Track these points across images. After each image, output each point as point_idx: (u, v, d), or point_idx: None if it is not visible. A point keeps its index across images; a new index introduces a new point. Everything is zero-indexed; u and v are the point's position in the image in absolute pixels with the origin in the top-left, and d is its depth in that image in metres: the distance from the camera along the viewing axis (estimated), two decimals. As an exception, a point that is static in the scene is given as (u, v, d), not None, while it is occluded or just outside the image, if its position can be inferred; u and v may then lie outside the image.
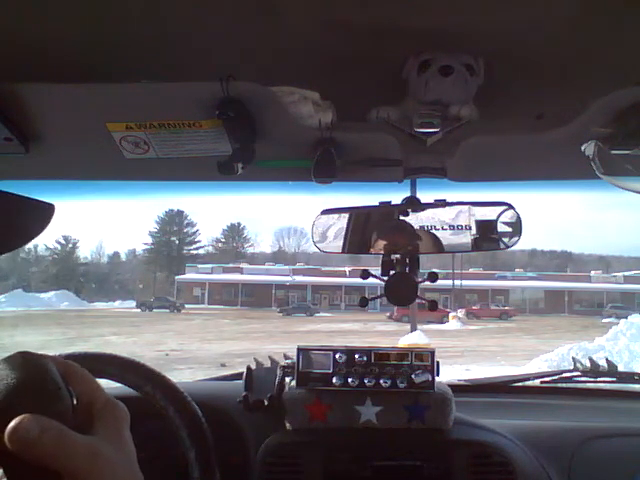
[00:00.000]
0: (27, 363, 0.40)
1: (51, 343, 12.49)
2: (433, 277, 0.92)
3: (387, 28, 0.71)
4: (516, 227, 0.94)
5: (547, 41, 0.73)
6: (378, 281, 0.93)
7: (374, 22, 0.69)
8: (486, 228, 0.96)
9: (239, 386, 1.07)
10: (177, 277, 39.68)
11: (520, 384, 1.49)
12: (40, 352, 0.44)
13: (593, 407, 1.38)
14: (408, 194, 0.94)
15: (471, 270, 38.73)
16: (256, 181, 1.01)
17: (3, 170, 0.95)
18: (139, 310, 29.47)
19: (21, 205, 0.67)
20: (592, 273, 39.51)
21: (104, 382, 0.97)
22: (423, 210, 0.96)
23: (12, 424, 0.36)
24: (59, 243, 46.46)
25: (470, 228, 0.95)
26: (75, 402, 0.42)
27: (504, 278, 37.37)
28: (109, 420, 0.43)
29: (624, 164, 0.74)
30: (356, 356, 1.03)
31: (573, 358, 1.56)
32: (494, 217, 0.95)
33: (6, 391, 0.38)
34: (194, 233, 50.08)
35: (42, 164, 0.92)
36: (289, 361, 1.10)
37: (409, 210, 0.96)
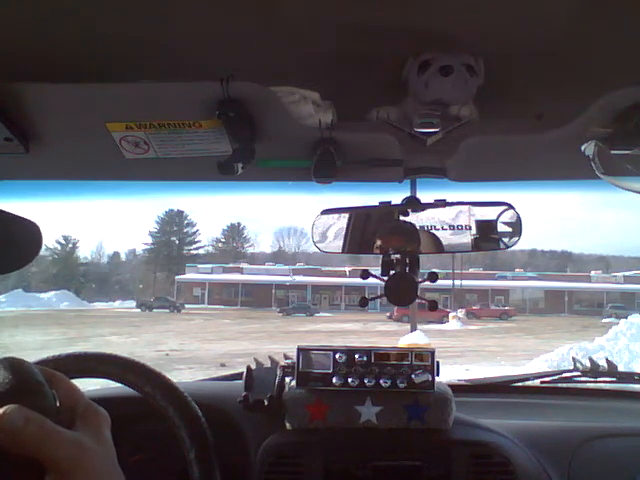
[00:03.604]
0: (11, 365, 0.42)
1: (51, 343, 12.49)
2: (433, 277, 0.92)
3: (387, 28, 0.71)
4: (516, 227, 0.94)
5: (547, 41, 0.73)
6: (378, 281, 0.93)
7: (374, 22, 0.69)
8: (486, 228, 0.96)
9: (239, 386, 1.07)
10: (177, 277, 39.69)
11: (520, 384, 1.49)
12: (40, 352, 0.45)
13: (593, 407, 1.38)
14: (408, 194, 0.95)
15: (471, 270, 38.75)
16: (256, 181, 1.01)
17: (3, 170, 0.95)
18: (139, 310, 29.48)
19: (10, 226, 0.66)
20: (592, 273, 39.51)
21: (104, 382, 0.97)
22: (423, 210, 0.96)
23: None
24: (59, 243, 46.50)
25: (470, 228, 0.95)
26: (58, 404, 0.43)
27: (504, 278, 37.39)
28: (91, 420, 0.44)
29: (624, 164, 0.74)
30: (356, 356, 1.03)
31: (573, 358, 1.56)
32: (494, 217, 0.95)
33: None
34: (194, 233, 50.14)
35: (42, 164, 0.92)
36: (289, 361, 1.10)
37: (409, 210, 0.96)
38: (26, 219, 0.66)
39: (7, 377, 0.40)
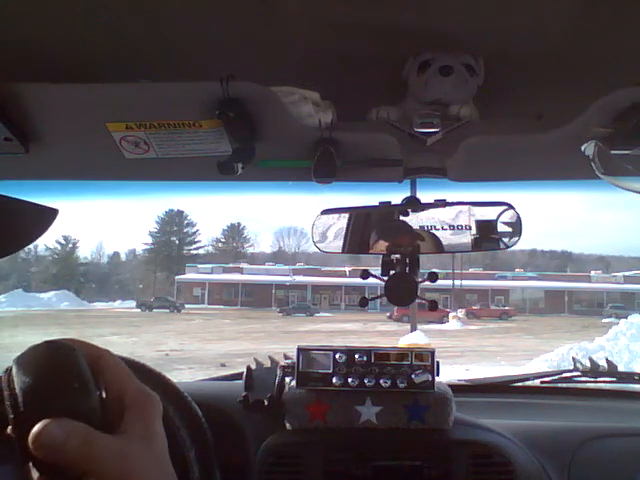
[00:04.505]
0: (52, 357, 0.38)
1: (51, 343, 12.47)
2: (433, 277, 0.92)
3: (387, 28, 0.71)
4: (516, 227, 0.94)
5: (547, 41, 0.73)
6: (378, 281, 0.93)
7: (374, 22, 0.69)
8: (486, 228, 0.96)
9: (239, 386, 1.07)
10: (177, 277, 39.70)
11: (520, 384, 1.49)
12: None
13: (593, 407, 1.38)
14: (408, 194, 0.94)
15: (471, 270, 38.77)
16: (256, 181, 1.01)
17: (3, 170, 0.95)
18: (139, 310, 29.49)
19: (21, 209, 0.65)
20: (592, 273, 39.52)
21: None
22: (423, 210, 0.96)
23: (35, 430, 0.34)
24: (59, 243, 46.52)
25: (470, 228, 0.95)
26: (104, 394, 0.40)
27: (504, 278, 37.39)
28: (140, 414, 0.40)
29: (624, 164, 0.74)
30: (356, 356, 1.03)
31: (573, 358, 1.56)
32: (494, 217, 0.95)
33: (30, 390, 0.36)
34: (194, 233, 50.15)
35: (42, 164, 0.92)
36: (289, 361, 1.10)
37: (409, 210, 0.96)
38: (44, 205, 0.64)
39: (47, 374, 0.37)
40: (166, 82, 0.70)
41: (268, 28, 0.71)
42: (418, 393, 1.01)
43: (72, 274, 44.13)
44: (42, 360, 0.38)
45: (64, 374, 0.38)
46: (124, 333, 16.43)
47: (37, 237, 0.72)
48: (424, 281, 0.93)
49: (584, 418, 1.28)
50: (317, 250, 1.02)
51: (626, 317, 11.64)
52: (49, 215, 0.70)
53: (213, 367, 9.43)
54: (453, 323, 22.66)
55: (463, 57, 0.74)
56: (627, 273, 37.43)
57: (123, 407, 0.40)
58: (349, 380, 1.02)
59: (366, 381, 1.02)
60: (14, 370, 0.38)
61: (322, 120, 0.77)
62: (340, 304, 34.86)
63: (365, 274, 0.97)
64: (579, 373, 1.47)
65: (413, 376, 1.01)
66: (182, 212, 49.16)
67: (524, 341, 15.96)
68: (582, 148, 0.76)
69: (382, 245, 0.98)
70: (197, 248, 50.67)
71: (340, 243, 1.01)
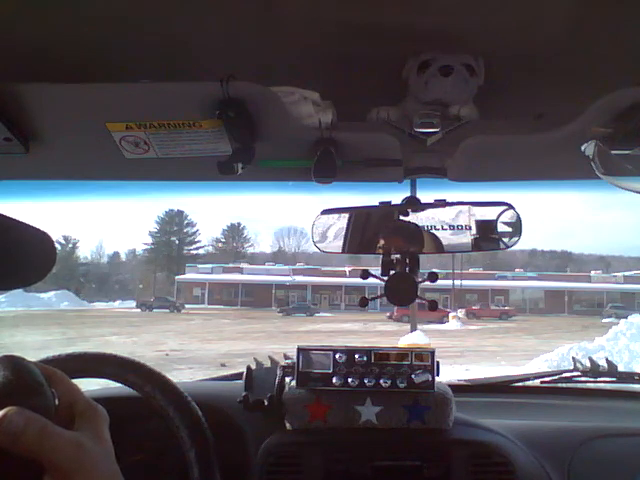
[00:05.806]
0: (10, 363, 0.41)
1: (51, 343, 12.48)
2: (433, 277, 0.92)
3: (387, 28, 0.71)
4: (516, 227, 0.94)
5: (547, 41, 0.73)
6: (378, 281, 0.93)
7: (374, 22, 0.69)
8: (486, 228, 0.96)
9: (239, 386, 1.07)
10: (177, 277, 39.71)
11: (520, 384, 1.49)
12: (40, 352, 0.44)
13: (593, 407, 1.38)
14: (408, 194, 0.95)
15: (471, 270, 38.78)
16: (256, 181, 1.01)
17: (3, 170, 0.95)
18: (139, 310, 29.48)
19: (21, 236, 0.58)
20: (592, 273, 39.54)
21: (104, 382, 0.97)
22: (423, 210, 0.96)
23: None
24: (59, 243, 46.50)
25: (470, 228, 0.95)
26: (57, 402, 0.43)
27: (504, 278, 37.39)
28: (89, 419, 0.44)
29: (624, 164, 0.74)
30: (356, 356, 1.03)
31: (573, 358, 1.56)
32: (494, 217, 0.95)
33: None
34: (194, 233, 50.17)
35: (42, 164, 0.92)
36: (289, 361, 1.10)
37: (409, 210, 0.96)
38: (38, 229, 0.61)
39: (7, 376, 0.40)
40: (166, 82, 0.70)
41: (268, 28, 0.72)
42: (418, 393, 1.02)
43: (72, 274, 44.12)
44: (1, 364, 0.41)
45: (21, 375, 0.41)
46: (124, 333, 16.42)
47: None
48: (424, 281, 0.93)
49: (584, 418, 1.28)
50: (317, 250, 1.02)
51: (626, 317, 11.61)
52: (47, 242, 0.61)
53: (213, 367, 9.42)
54: (453, 323, 22.65)
55: (463, 57, 0.74)
56: (627, 273, 37.43)
57: (73, 415, 0.43)
58: (349, 380, 1.02)
59: (366, 381, 1.02)
60: None
61: (322, 120, 0.77)
62: (340, 304, 34.85)
63: (365, 274, 0.97)
64: (579, 373, 1.47)
65: (413, 376, 1.01)
66: (182, 212, 49.25)
67: (524, 341, 15.94)
68: (582, 148, 0.76)
69: (382, 245, 0.98)
70: (197, 248, 50.72)
71: (340, 243, 1.01)
